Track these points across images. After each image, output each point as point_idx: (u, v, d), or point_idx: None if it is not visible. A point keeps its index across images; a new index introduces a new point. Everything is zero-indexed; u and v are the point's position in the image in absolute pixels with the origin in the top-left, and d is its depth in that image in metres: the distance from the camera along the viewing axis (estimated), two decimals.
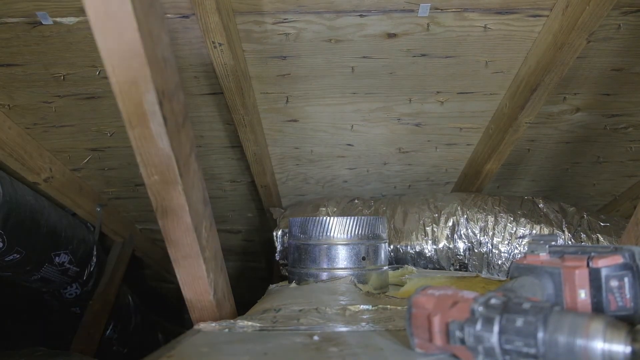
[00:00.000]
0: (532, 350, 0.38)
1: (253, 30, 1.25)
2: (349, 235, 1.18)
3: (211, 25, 1.12)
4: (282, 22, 1.22)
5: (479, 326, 0.42)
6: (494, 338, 0.41)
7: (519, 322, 0.39)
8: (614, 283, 0.49)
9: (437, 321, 0.46)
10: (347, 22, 1.23)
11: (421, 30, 1.26)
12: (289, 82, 1.43)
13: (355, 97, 1.51)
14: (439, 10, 1.20)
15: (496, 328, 0.41)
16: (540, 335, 0.38)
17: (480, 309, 0.43)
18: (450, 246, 1.58)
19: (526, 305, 0.40)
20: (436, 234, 1.58)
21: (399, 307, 0.84)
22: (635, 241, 0.82)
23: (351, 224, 1.19)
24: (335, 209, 1.70)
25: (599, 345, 0.36)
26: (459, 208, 1.62)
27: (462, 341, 0.43)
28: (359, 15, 1.22)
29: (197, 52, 1.31)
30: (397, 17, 1.22)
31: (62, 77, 1.36)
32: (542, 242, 0.59)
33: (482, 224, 1.58)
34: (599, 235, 1.54)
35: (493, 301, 0.43)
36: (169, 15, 1.18)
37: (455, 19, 1.23)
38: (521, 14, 1.21)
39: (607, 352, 0.35)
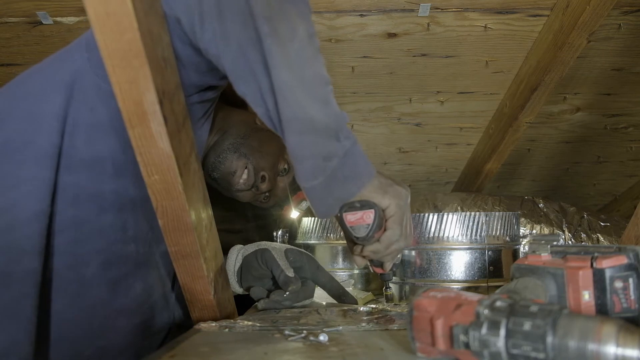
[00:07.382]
0: (541, 355, 0.37)
1: None
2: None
3: None
4: None
5: (484, 330, 0.41)
6: (500, 342, 0.40)
7: (527, 325, 0.38)
8: (618, 284, 0.48)
9: (440, 325, 0.45)
10: (347, 21, 1.23)
11: (421, 30, 1.25)
12: None
13: (355, 97, 1.50)
14: (439, 10, 1.20)
15: (503, 332, 0.40)
16: (549, 339, 0.37)
17: (486, 311, 0.42)
18: None
19: (534, 308, 0.39)
20: None
21: (399, 308, 0.84)
22: (635, 241, 0.81)
23: None
24: None
25: (611, 350, 0.35)
26: (459, 208, 1.61)
27: (467, 345, 0.42)
28: (359, 15, 1.21)
29: None
30: (397, 16, 1.22)
31: None
32: (543, 242, 0.58)
33: None
34: (599, 235, 1.54)
35: (499, 304, 0.42)
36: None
37: (455, 18, 1.22)
38: (521, 14, 1.21)
39: (621, 357, 0.34)
